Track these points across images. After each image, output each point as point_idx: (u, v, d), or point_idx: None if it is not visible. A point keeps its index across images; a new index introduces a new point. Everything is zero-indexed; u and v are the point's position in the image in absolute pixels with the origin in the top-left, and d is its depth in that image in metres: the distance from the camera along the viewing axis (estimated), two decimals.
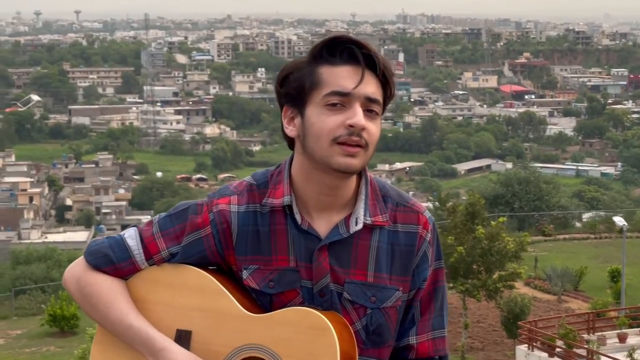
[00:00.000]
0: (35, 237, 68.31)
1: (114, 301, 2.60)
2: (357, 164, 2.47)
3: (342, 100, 2.45)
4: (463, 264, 30.81)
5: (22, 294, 39.22)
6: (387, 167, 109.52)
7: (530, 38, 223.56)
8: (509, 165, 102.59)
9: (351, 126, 2.43)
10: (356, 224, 2.55)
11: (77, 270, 2.65)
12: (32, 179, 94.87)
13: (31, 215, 79.95)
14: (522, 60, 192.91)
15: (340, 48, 2.49)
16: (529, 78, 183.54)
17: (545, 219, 52.36)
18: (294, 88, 2.50)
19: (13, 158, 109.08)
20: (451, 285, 31.95)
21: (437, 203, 47.54)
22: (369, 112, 2.47)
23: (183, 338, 2.58)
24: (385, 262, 2.57)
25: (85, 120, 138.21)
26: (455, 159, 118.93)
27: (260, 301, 2.58)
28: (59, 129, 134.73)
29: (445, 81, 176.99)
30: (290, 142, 2.58)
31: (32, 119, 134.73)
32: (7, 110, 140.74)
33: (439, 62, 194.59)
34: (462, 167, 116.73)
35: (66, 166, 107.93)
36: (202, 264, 2.61)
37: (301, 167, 2.55)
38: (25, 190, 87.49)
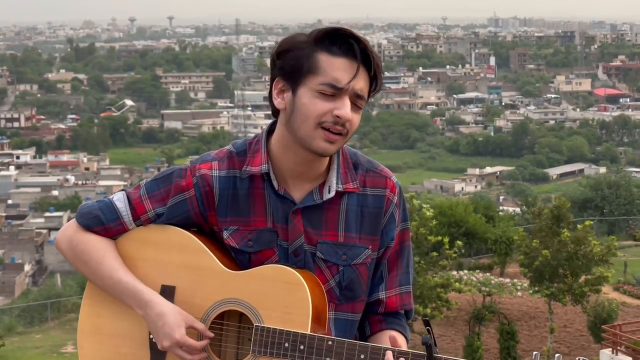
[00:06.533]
0: None
1: (104, 258, 2.80)
2: (334, 149, 2.68)
3: (334, 91, 2.64)
4: (548, 267, 30.40)
5: None
6: (477, 171, 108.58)
7: (626, 40, 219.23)
8: (603, 169, 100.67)
9: (338, 117, 2.64)
10: (329, 192, 2.75)
11: (69, 231, 2.86)
12: (125, 183, 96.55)
13: None
14: (617, 63, 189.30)
15: (341, 40, 2.66)
16: (624, 81, 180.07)
17: (636, 223, 51.36)
18: (291, 65, 2.69)
19: (107, 162, 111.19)
20: (536, 288, 31.58)
21: (524, 207, 47.12)
22: (354, 105, 2.67)
23: (167, 292, 2.77)
24: (354, 223, 2.78)
25: (177, 125, 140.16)
26: (547, 163, 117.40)
27: (239, 260, 2.78)
28: (152, 133, 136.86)
29: (537, 85, 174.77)
30: (275, 112, 2.80)
31: (125, 123, 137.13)
32: (102, 115, 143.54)
33: (531, 66, 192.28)
34: (554, 171, 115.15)
35: (158, 170, 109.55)
36: (186, 225, 2.81)
37: (282, 138, 2.76)
38: None
